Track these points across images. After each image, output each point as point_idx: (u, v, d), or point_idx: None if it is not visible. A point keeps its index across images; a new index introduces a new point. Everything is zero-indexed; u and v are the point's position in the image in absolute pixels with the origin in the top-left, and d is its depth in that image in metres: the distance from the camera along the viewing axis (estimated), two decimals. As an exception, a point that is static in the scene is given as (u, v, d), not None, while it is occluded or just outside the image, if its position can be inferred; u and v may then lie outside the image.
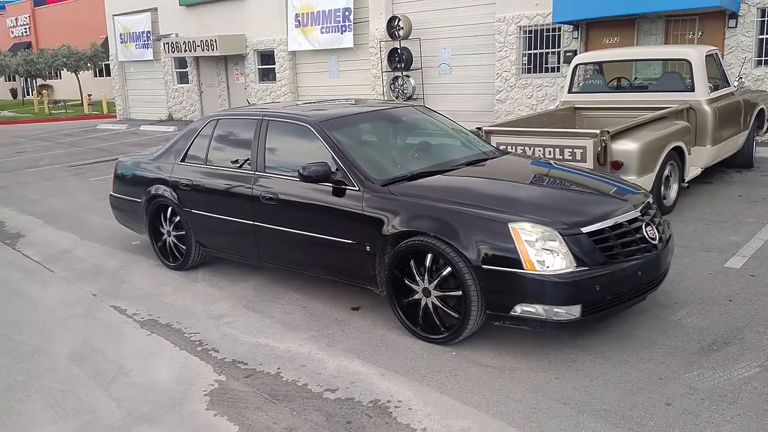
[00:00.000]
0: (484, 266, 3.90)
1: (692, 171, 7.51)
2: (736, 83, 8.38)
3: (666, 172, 6.88)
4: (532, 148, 6.72)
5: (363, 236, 4.45)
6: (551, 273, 3.77)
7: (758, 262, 5.40)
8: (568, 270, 3.77)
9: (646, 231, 4.14)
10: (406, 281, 4.31)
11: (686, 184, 7.35)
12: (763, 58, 10.75)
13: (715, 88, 7.99)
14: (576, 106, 8.53)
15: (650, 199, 4.50)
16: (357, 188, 4.50)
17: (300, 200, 4.81)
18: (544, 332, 4.21)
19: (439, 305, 4.18)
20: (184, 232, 5.90)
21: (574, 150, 6.47)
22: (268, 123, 5.25)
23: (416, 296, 4.28)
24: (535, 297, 3.82)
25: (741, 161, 8.81)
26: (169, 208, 6.02)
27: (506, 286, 3.88)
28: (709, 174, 8.34)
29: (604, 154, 6.32)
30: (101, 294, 5.61)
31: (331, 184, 4.61)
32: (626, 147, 6.38)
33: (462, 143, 5.43)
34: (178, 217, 5.92)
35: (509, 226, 3.88)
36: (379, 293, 4.56)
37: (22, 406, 3.81)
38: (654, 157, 6.61)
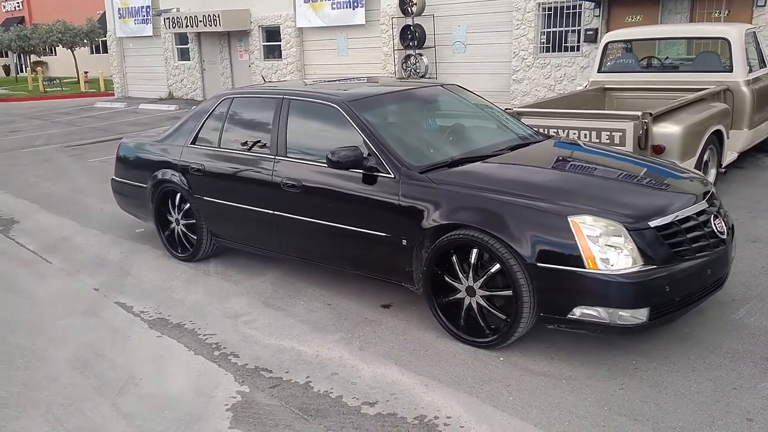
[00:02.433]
0: (539, 264, 3.49)
1: (729, 156, 7.10)
2: (773, 63, 7.93)
3: (705, 157, 6.47)
4: (566, 131, 6.28)
5: (399, 228, 4.03)
6: (616, 272, 3.36)
7: (809, 256, 5.02)
8: (635, 269, 3.37)
9: (714, 224, 3.74)
10: (447, 279, 3.90)
11: (723, 170, 6.94)
12: (793, 37, 10.27)
13: (751, 68, 7.55)
14: (606, 86, 8.08)
15: (713, 188, 4.09)
16: (392, 175, 4.08)
17: (327, 188, 4.38)
18: (594, 335, 3.82)
19: (485, 305, 3.78)
20: (194, 221, 5.48)
21: (612, 133, 6.03)
22: (290, 102, 4.80)
23: (458, 295, 3.87)
24: (597, 299, 3.42)
25: (773, 145, 8.39)
26: (178, 195, 5.58)
27: (564, 287, 3.48)
28: (741, 159, 7.93)
29: (646, 137, 5.89)
30: (104, 288, 5.19)
31: (362, 171, 4.18)
32: (669, 130, 5.95)
33: (499, 126, 4.99)
34: (188, 205, 5.49)
35: (569, 219, 3.46)
36: (415, 291, 4.15)
37: (17, 425, 3.37)
38: (696, 141, 6.19)
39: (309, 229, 4.54)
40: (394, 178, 4.06)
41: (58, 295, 5.11)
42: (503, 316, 3.73)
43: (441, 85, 5.43)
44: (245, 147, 5.03)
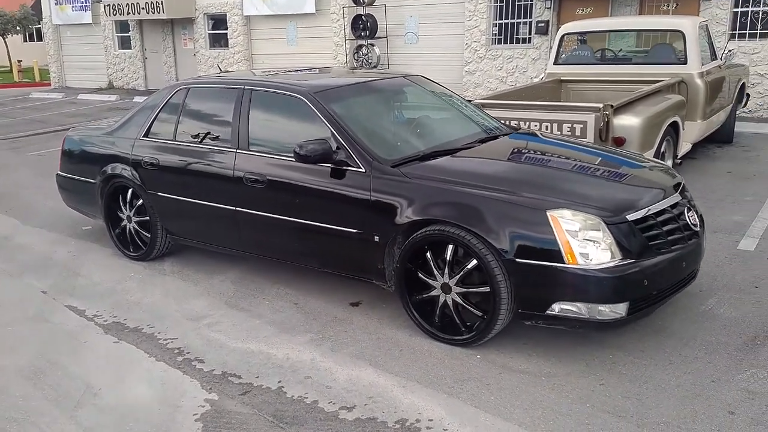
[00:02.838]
0: (517, 260, 3.41)
1: (684, 147, 7.22)
2: (722, 56, 8.10)
3: (663, 149, 6.55)
4: (526, 123, 6.24)
5: (370, 224, 3.89)
6: (595, 267, 3.31)
7: (763, 247, 5.11)
8: (614, 263, 3.32)
9: (688, 216, 3.74)
10: (421, 275, 3.79)
11: (679, 161, 7.05)
12: (737, 32, 10.56)
13: (704, 61, 7.69)
14: (562, 78, 8.11)
15: (683, 180, 4.10)
16: (363, 169, 3.93)
17: (293, 182, 4.20)
18: (572, 330, 3.77)
19: (461, 302, 3.68)
20: (148, 218, 5.21)
21: (574, 125, 6.03)
22: (251, 93, 4.58)
23: (433, 292, 3.77)
24: (577, 294, 3.36)
25: (722, 136, 8.60)
26: (130, 191, 5.30)
27: (543, 282, 3.41)
28: (693, 150, 8.08)
29: (607, 129, 5.91)
30: (53, 291, 4.88)
31: (331, 165, 4.02)
32: (629, 122, 5.99)
33: (467, 118, 4.89)
34: (141, 201, 5.22)
35: (547, 213, 3.39)
36: (387, 288, 4.02)
37: (-31, 441, 3.14)
38: (654, 133, 6.26)
39: (273, 225, 4.36)
40: (365, 172, 3.92)
41: (2, 299, 4.78)
42: (479, 313, 3.65)
43: (404, 76, 5.30)
44: (203, 140, 4.80)
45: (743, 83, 8.84)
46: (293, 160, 4.08)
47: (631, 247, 3.38)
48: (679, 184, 3.96)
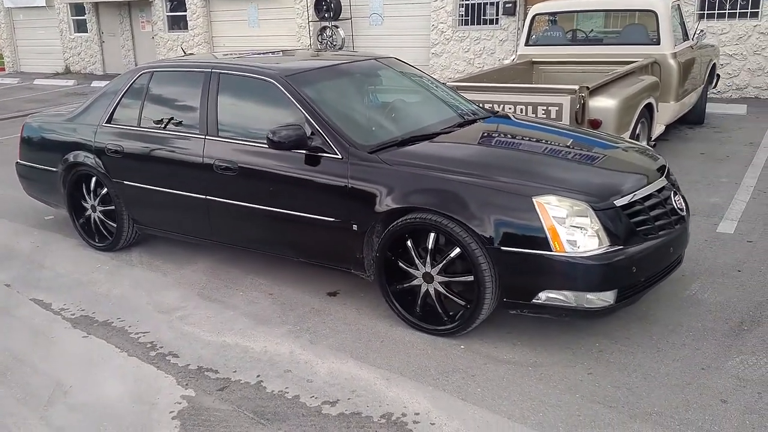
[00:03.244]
0: (503, 248, 3.31)
1: (658, 129, 7.20)
2: (694, 37, 8.10)
3: (637, 131, 6.52)
4: (500, 106, 6.14)
5: (348, 213, 3.75)
6: (583, 254, 3.22)
7: (750, 227, 5.12)
8: (601, 250, 3.24)
9: (674, 201, 3.68)
10: (402, 265, 3.67)
11: (653, 143, 7.03)
12: (705, 12, 10.60)
13: (677, 41, 7.67)
14: (534, 59, 8.02)
15: (666, 163, 4.03)
16: (339, 156, 3.78)
17: (266, 170, 4.03)
18: (557, 319, 3.69)
19: (443, 292, 3.58)
20: (113, 207, 4.99)
21: (549, 108, 5.94)
22: (219, 77, 4.38)
23: (414, 282, 3.66)
24: (564, 282, 3.28)
25: (693, 117, 8.62)
26: (94, 179, 5.07)
27: (529, 271, 3.32)
28: (665, 131, 8.09)
29: (582, 111, 5.84)
30: (17, 284, 4.65)
31: (306, 151, 3.86)
32: (604, 104, 5.92)
33: (443, 101, 4.76)
34: (106, 190, 4.99)
35: (533, 200, 3.29)
36: (366, 278, 3.90)
37: (-72, 448, 2.94)
38: (630, 115, 6.21)
39: (246, 214, 4.19)
40: (342, 158, 3.77)
41: (-41, 294, 4.54)
42: (462, 303, 3.55)
43: (376, 59, 5.13)
44: (169, 126, 4.59)
45: (714, 64, 8.86)
46: (265, 146, 3.90)
47: (618, 234, 3.30)
48: (663, 167, 3.90)
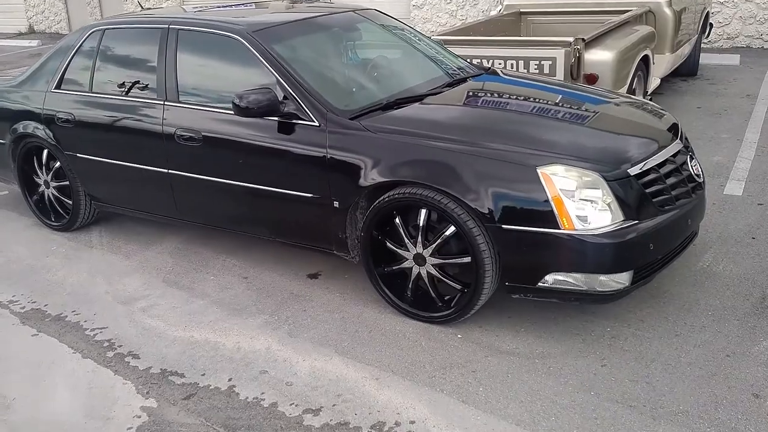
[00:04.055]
0: (504, 226, 2.91)
1: (653, 82, 6.79)
2: (689, -18, 7.63)
3: (634, 85, 6.10)
4: (489, 61, 5.67)
5: (328, 188, 3.32)
6: (595, 231, 2.83)
7: (759, 188, 4.77)
8: (615, 226, 2.85)
9: (691, 166, 3.29)
10: (390, 245, 3.27)
11: (649, 98, 6.63)
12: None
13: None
14: (522, 10, 7.51)
15: (679, 123, 3.64)
16: (316, 123, 3.33)
17: (235, 139, 3.57)
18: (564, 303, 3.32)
19: (437, 275, 3.19)
20: (68, 182, 4.51)
21: (541, 62, 5.48)
22: (178, 34, 3.87)
23: (405, 264, 3.26)
24: (574, 264, 2.90)
25: (687, 69, 8.21)
26: (45, 151, 4.58)
27: (534, 251, 2.93)
28: (659, 85, 7.69)
29: (578, 65, 5.39)
30: (-40, 272, 4.19)
31: (278, 118, 3.40)
32: (601, 57, 5.47)
33: (429, 57, 4.29)
34: (59, 163, 4.50)
35: (538, 170, 2.88)
36: (350, 260, 3.49)
37: None
38: (627, 68, 5.77)
39: (213, 190, 3.74)
40: (319, 126, 3.31)
41: None
42: (458, 286, 3.17)
43: (355, 11, 4.61)
44: (124, 90, 4.08)
45: (707, 12, 8.42)
46: (232, 113, 3.43)
47: (633, 206, 2.91)
48: (676, 127, 3.50)
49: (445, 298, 3.24)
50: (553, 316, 3.29)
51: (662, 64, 6.92)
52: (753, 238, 4.01)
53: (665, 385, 2.76)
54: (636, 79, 6.11)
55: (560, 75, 5.42)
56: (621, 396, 2.71)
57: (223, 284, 3.81)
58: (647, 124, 3.50)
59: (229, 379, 2.95)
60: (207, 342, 3.25)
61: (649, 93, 6.58)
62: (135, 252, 4.30)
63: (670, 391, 2.72)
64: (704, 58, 9.04)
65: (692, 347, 3.00)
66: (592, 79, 5.45)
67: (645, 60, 6.24)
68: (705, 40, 9.17)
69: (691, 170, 3.26)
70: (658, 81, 6.94)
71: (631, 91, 6.01)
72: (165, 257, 4.20)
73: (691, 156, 3.34)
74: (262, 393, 2.84)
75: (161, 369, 3.05)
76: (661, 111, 3.72)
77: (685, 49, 7.72)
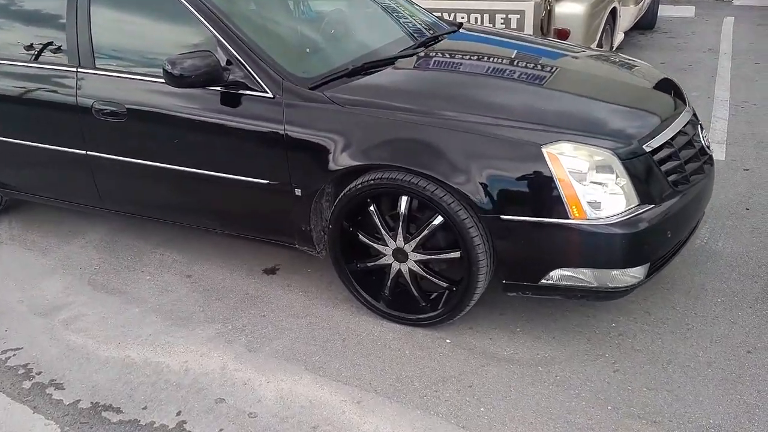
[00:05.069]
0: (501, 217, 2.46)
1: (618, 37, 6.42)
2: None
3: (603, 40, 5.71)
4: (451, 15, 5.16)
5: (287, 172, 2.78)
6: (609, 220, 2.41)
7: (741, 151, 4.49)
8: (632, 213, 2.44)
9: (702, 137, 2.90)
10: (364, 238, 2.78)
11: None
12: None
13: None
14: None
15: (679, 84, 3.23)
16: (269, 93, 2.75)
17: (167, 114, 2.96)
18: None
19: (421, 272, 2.72)
20: (-33, 165, 3.79)
21: (509, 16, 5.03)
22: (92, -15, 3.18)
23: (382, 261, 2.78)
24: (585, 258, 2.48)
25: (645, 22, 7.90)
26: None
27: (538, 245, 2.49)
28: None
29: (548, 20, 4.95)
30: None
31: (221, 88, 2.81)
32: (573, 10, 5.06)
33: (394, 12, 3.73)
34: (-47, 142, 3.76)
35: (543, 150, 2.42)
36: (316, 255, 2.98)
37: None
38: (597, 22, 5.38)
39: (144, 176, 3.13)
40: (273, 98, 2.74)
41: None
42: (445, 284, 2.72)
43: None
44: (27, 54, 3.37)
45: (665, -39, 8.09)
46: (163, 81, 2.81)
47: (650, 188, 2.50)
48: (681, 92, 3.10)
49: (431, 297, 2.79)
50: (550, 311, 2.89)
51: (627, 16, 6.57)
52: (747, 209, 3.71)
53: (689, 393, 2.40)
54: (604, 34, 5.74)
55: (528, 30, 4.99)
56: (642, 409, 2.34)
57: (163, 285, 3.24)
58: (651, 89, 3.07)
59: (178, 413, 2.42)
60: (147, 363, 2.70)
61: (614, 48, 6.22)
62: (54, 247, 3.66)
63: (696, 400, 2.36)
64: (660, 10, 8.76)
65: (708, 343, 2.65)
66: (563, 34, 5.04)
67: (613, 13, 5.86)
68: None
69: (702, 141, 2.87)
70: (622, 35, 6.59)
71: (600, 47, 5.63)
72: (90, 252, 3.58)
73: (701, 125, 2.95)
74: (221, 430, 2.34)
75: (92, 402, 2.50)
76: (658, 73, 3.31)
77: (646, 1, 7.40)
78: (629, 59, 3.48)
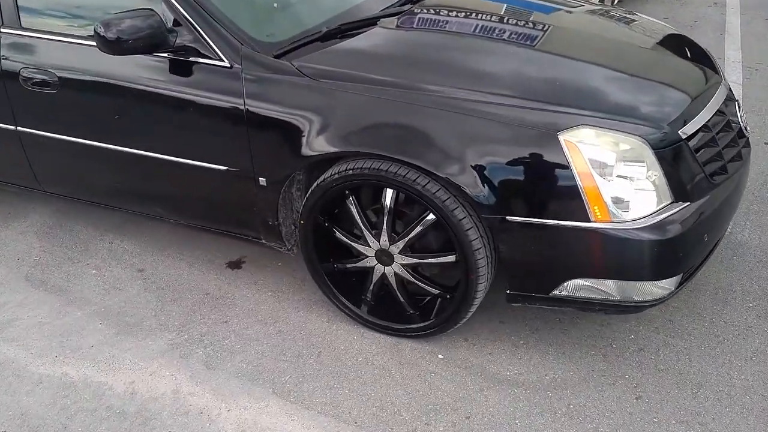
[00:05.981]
0: (508, 218, 2.03)
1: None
2: None
3: (605, -6, 5.21)
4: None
5: (248, 156, 2.32)
6: (639, 224, 1.99)
7: (759, 120, 4.07)
8: (665, 213, 2.02)
9: (739, 116, 2.47)
10: (342, 236, 2.35)
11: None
12: None
13: None
14: None
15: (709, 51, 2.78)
16: (226, 62, 2.27)
17: (106, 82, 2.47)
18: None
19: (408, 277, 2.31)
20: None
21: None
22: (12, -75, 2.64)
23: (363, 263, 2.36)
24: (608, 268, 2.07)
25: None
26: None
27: (552, 252, 2.07)
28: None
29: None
30: None
31: (168, 54, 2.32)
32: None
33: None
34: None
35: (559, 137, 1.98)
36: (286, 252, 2.55)
37: None
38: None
39: (83, 155, 2.66)
40: (231, 67, 2.26)
41: None
42: (436, 291, 2.31)
43: None
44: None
45: None
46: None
47: (684, 182, 2.08)
48: (711, 61, 2.64)
49: (419, 305, 2.39)
50: (558, 319, 2.50)
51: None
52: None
53: (726, 427, 2.04)
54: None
55: None
56: (675, 450, 1.98)
57: (110, 282, 2.80)
58: (680, 58, 2.61)
59: (119, 453, 2.03)
60: (87, 384, 2.28)
61: (614, 3, 5.71)
62: (-12, 232, 3.19)
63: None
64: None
65: (742, 361, 2.29)
66: None
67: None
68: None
69: (740, 122, 2.44)
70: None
71: (600, 1, 5.13)
72: (30, 239, 3.12)
73: (737, 103, 2.52)
74: (169, 476, 1.95)
75: (18, 437, 2.09)
76: (684, 36, 2.86)
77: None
78: (645, 18, 3.01)
